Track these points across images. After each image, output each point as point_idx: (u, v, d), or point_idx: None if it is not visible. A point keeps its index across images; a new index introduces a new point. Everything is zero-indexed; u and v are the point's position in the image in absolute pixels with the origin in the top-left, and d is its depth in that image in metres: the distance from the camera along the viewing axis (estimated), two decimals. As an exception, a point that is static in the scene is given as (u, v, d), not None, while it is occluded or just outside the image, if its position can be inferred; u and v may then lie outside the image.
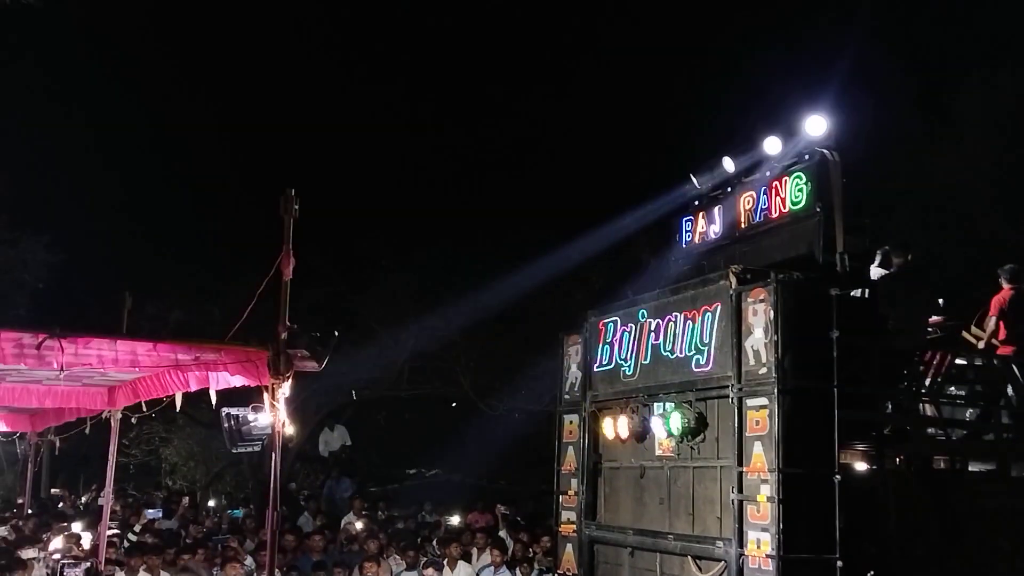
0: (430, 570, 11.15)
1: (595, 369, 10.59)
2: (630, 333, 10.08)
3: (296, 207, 7.86)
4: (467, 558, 12.22)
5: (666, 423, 8.94)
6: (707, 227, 10.88)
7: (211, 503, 16.70)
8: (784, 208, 9.82)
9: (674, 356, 9.30)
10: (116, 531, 12.58)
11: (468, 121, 22.36)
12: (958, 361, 9.68)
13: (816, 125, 9.62)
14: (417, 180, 21.29)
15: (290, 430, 17.20)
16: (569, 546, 10.60)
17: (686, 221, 11.19)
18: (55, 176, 21.06)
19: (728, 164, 10.51)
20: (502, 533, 13.48)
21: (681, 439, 8.90)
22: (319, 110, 22.23)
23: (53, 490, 19.67)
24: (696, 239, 11.04)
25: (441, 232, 20.31)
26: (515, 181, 20.87)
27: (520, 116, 22.01)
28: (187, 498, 15.51)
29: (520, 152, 21.68)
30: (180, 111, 21.96)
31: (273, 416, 7.59)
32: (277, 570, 9.49)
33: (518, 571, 11.70)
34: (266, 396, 7.59)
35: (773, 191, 9.98)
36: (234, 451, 9.58)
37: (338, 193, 19.99)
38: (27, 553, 10.48)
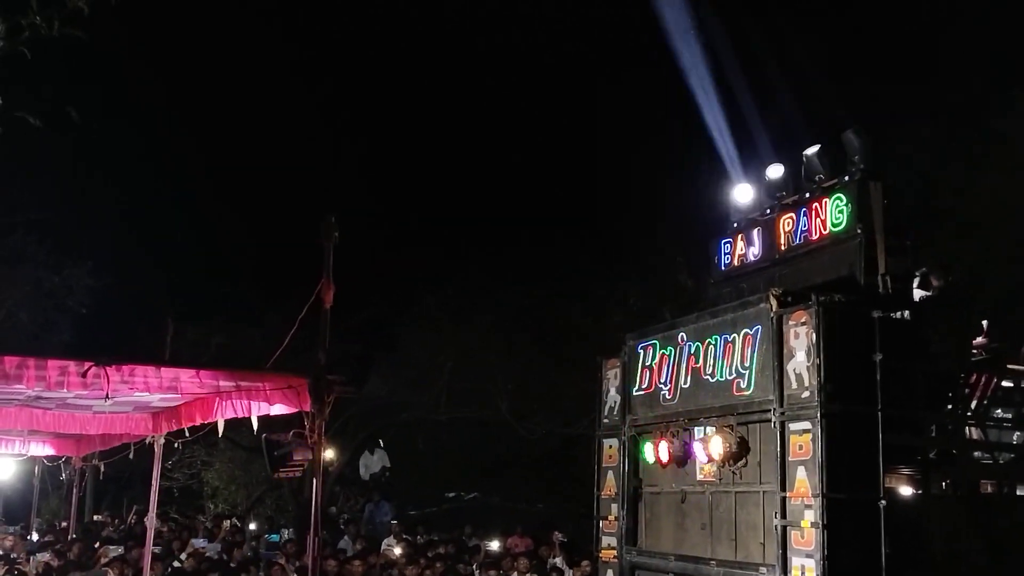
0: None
1: (634, 393, 10.54)
2: (670, 356, 10.03)
3: (336, 234, 7.94)
4: (507, 583, 12.18)
5: (707, 448, 8.87)
6: (746, 249, 10.80)
7: (252, 526, 16.77)
8: (825, 230, 9.73)
9: (714, 380, 9.24)
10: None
11: (510, 146, 22.50)
12: (1004, 383, 9.51)
13: (855, 144, 9.56)
14: (455, 204, 21.41)
15: (330, 454, 17.30)
16: (610, 572, 10.52)
17: (724, 243, 11.12)
18: (98, 202, 21.43)
19: (774, 172, 10.45)
20: (558, 559, 13.35)
21: (723, 464, 8.83)
22: (357, 132, 22.47)
23: (96, 516, 19.88)
24: (735, 262, 10.96)
25: (479, 255, 20.38)
26: (556, 203, 20.91)
27: (556, 137, 22.09)
28: (229, 521, 15.59)
29: (560, 172, 21.75)
30: (223, 138, 22.30)
31: (313, 442, 7.64)
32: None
33: (559, 596, 11.64)
34: (307, 422, 7.65)
35: (813, 212, 9.89)
36: (275, 477, 9.65)
37: (376, 216, 20.14)
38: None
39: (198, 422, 9.60)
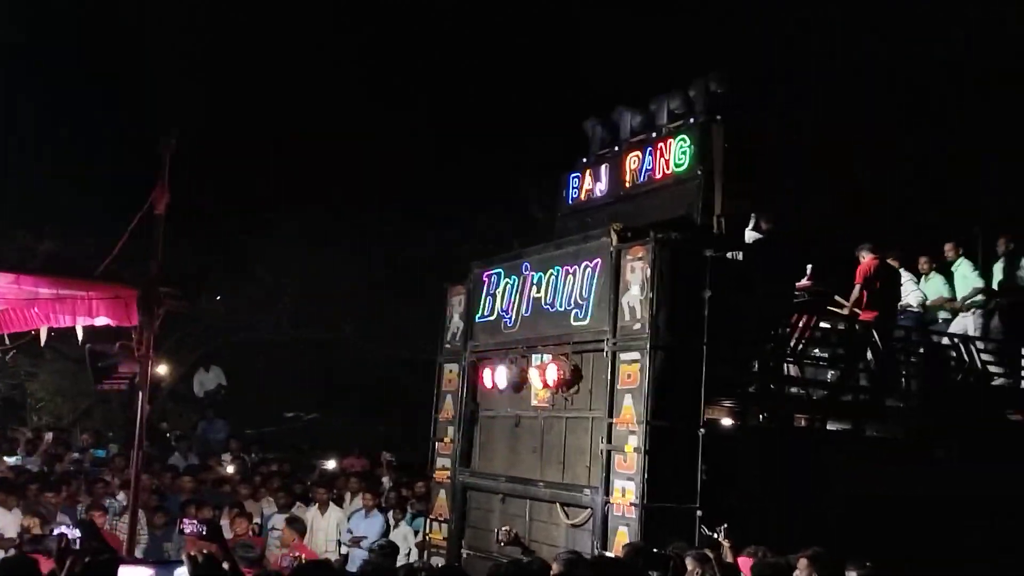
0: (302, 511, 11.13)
1: (477, 320, 10.68)
2: (513, 285, 10.18)
3: (174, 142, 7.65)
4: (339, 502, 12.25)
5: (543, 374, 9.09)
6: (594, 184, 10.98)
7: (82, 439, 16.18)
8: (668, 169, 9.98)
9: (554, 309, 9.46)
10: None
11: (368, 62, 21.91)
12: (822, 325, 10.08)
13: (703, 87, 9.83)
14: (305, 125, 20.78)
15: (162, 369, 16.84)
16: (443, 492, 10.74)
17: (573, 178, 11.28)
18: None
19: (624, 116, 10.63)
20: (385, 479, 13.53)
21: (556, 390, 9.08)
22: (213, 43, 21.41)
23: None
24: (582, 196, 11.14)
25: (335, 178, 19.96)
26: (416, 129, 20.59)
27: (414, 64, 21.68)
28: (51, 434, 14.95)
29: (419, 98, 21.37)
30: (68, 32, 20.86)
31: (141, 355, 7.42)
32: (144, 509, 9.34)
33: (391, 515, 11.79)
34: (134, 334, 7.41)
35: (658, 152, 10.14)
36: (98, 389, 9.34)
37: (235, 132, 19.40)
38: None
39: (19, 329, 9.14)
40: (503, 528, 8.43)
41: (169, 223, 7.72)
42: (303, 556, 8.94)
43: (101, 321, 7.80)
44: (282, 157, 20.61)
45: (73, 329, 8.77)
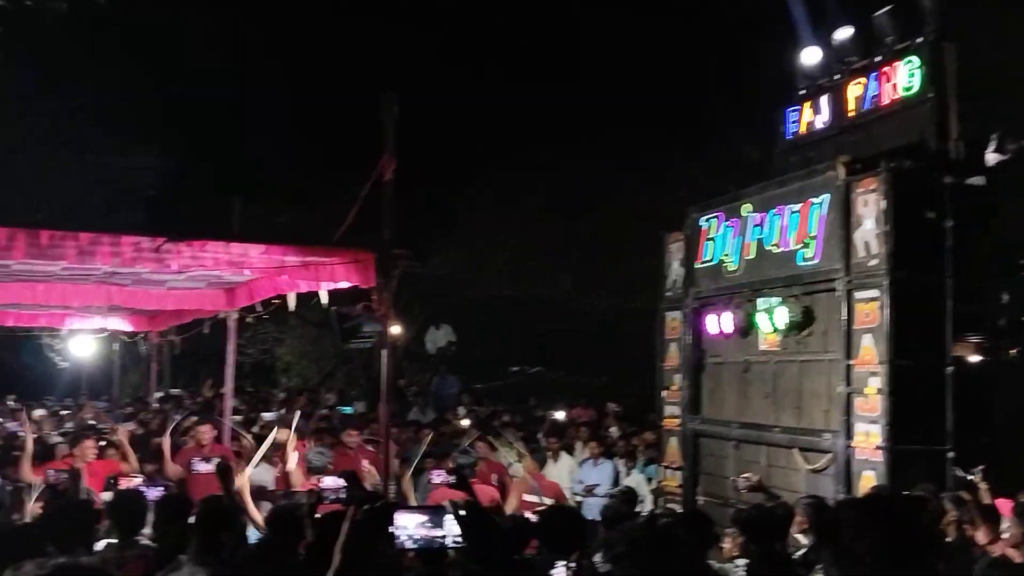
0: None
1: (697, 266, 10.54)
2: (733, 228, 9.97)
3: (396, 108, 7.91)
4: (569, 451, 12.48)
5: (771, 317, 8.88)
6: (814, 117, 10.53)
7: (327, 398, 17.36)
8: (895, 94, 9.42)
9: (779, 250, 9.18)
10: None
11: (564, 16, 21.84)
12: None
13: (929, 3, 9.15)
14: (517, 79, 21.00)
15: (397, 329, 17.68)
16: (673, 439, 10.74)
17: (791, 112, 10.85)
18: (163, 85, 21.51)
19: (843, 35, 10.06)
20: (613, 429, 13.66)
21: (787, 333, 8.85)
22: (421, 13, 22.02)
23: (173, 390, 20.67)
24: (802, 130, 10.71)
25: (542, 132, 20.13)
26: (616, 76, 20.38)
27: (611, 9, 21.37)
28: (304, 395, 16.10)
29: (618, 47, 21.10)
30: (282, 18, 22.07)
31: (381, 315, 7.80)
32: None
33: (621, 463, 11.90)
34: (374, 295, 7.79)
35: (884, 77, 9.57)
36: (347, 348, 9.91)
37: (437, 93, 19.90)
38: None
39: (269, 296, 9.84)
40: (743, 476, 8.30)
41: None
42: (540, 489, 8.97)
43: (343, 285, 8.25)
44: (489, 114, 20.93)
45: (312, 296, 9.36)
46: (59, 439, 11.46)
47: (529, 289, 20.54)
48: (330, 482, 5.71)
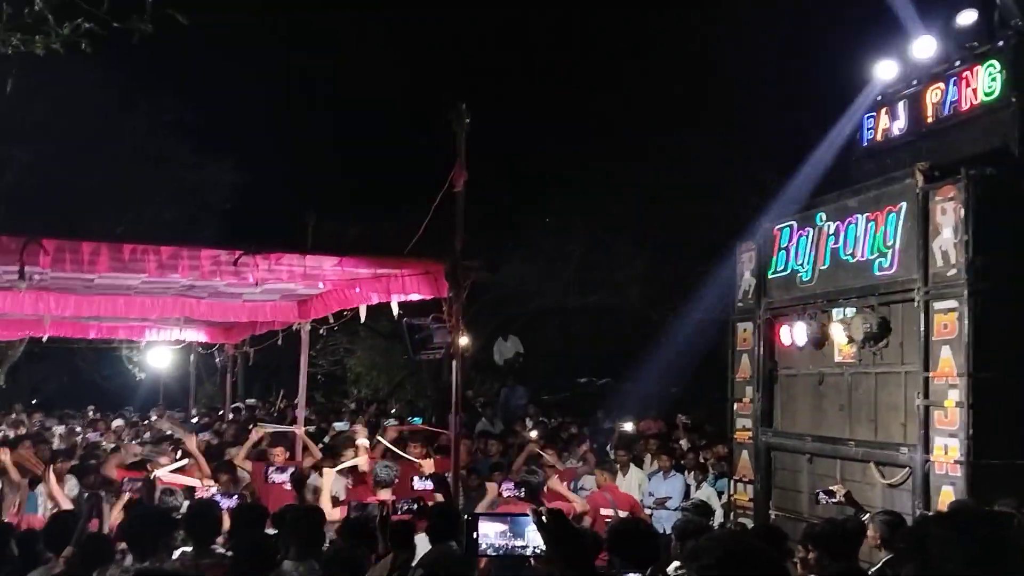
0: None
1: (770, 276, 10.39)
2: (807, 238, 9.80)
3: (467, 120, 7.97)
4: (639, 463, 12.39)
5: (846, 329, 8.71)
6: (890, 123, 10.29)
7: (397, 408, 17.54)
8: (976, 99, 9.16)
9: (855, 260, 9.00)
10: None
11: (635, 26, 21.83)
12: None
13: (1012, 5, 8.91)
14: (583, 91, 21.03)
15: (465, 340, 17.75)
16: (745, 452, 10.58)
17: (868, 118, 10.63)
18: (237, 101, 22.02)
19: (922, 47, 9.84)
20: (682, 441, 13.54)
21: (863, 345, 8.66)
22: (488, 24, 22.19)
23: (248, 400, 21.08)
24: (878, 137, 10.48)
25: (608, 143, 20.09)
26: (683, 86, 20.26)
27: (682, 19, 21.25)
28: (374, 405, 16.27)
29: (687, 57, 20.98)
30: (352, 31, 22.45)
31: (452, 326, 7.84)
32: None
33: (691, 476, 11.78)
34: (444, 306, 7.84)
35: (964, 82, 9.33)
36: (417, 359, 9.98)
37: (505, 106, 20.01)
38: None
39: (342, 308, 9.97)
40: (829, 488, 8.07)
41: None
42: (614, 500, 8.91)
43: (414, 296, 8.32)
44: (559, 124, 20.97)
45: (381, 311, 9.46)
46: (138, 449, 11.76)
47: (597, 299, 20.48)
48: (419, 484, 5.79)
